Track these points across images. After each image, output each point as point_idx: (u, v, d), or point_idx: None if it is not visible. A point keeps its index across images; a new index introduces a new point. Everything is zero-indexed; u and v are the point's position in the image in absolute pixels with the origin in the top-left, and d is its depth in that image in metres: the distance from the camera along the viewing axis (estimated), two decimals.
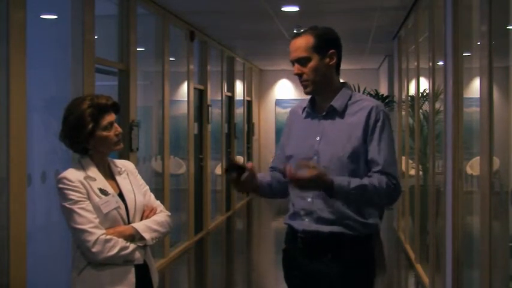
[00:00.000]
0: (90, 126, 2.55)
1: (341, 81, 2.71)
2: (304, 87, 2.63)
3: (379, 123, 2.54)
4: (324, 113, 2.63)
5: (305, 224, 2.59)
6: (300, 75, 2.62)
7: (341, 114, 2.60)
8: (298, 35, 2.63)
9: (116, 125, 2.64)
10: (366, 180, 2.48)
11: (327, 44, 2.60)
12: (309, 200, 2.57)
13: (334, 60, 2.62)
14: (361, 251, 2.57)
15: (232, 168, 2.52)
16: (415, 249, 6.70)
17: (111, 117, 2.62)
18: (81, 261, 2.53)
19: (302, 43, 2.59)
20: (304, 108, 2.73)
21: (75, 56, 4.79)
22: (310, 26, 2.67)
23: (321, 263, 2.56)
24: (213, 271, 7.34)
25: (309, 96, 2.71)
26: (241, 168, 2.52)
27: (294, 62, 2.63)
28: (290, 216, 2.68)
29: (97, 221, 2.50)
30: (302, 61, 2.60)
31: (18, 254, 3.79)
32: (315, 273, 2.58)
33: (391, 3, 6.70)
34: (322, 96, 2.66)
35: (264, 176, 2.72)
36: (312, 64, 2.58)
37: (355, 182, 2.47)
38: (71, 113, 2.58)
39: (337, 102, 2.61)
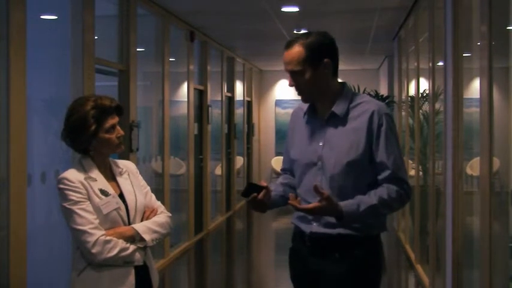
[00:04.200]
0: (93, 127, 2.54)
1: (340, 81, 2.67)
2: (300, 96, 2.63)
3: (383, 128, 2.51)
4: (326, 118, 2.60)
5: (313, 228, 2.59)
6: (294, 86, 2.60)
7: (343, 119, 2.56)
8: (290, 45, 2.55)
9: (118, 127, 2.63)
10: (374, 198, 2.47)
11: (320, 54, 2.52)
12: None
13: (329, 69, 2.56)
14: (368, 250, 2.57)
15: (251, 190, 2.55)
16: (415, 250, 6.70)
17: (114, 120, 2.61)
18: (81, 262, 2.52)
19: (294, 56, 2.52)
20: (306, 112, 2.71)
21: (75, 57, 4.78)
22: (305, 28, 2.64)
23: (328, 262, 2.56)
24: (213, 271, 7.34)
25: None
26: (259, 188, 2.55)
27: (289, 73, 2.60)
28: (298, 218, 2.67)
29: (97, 221, 2.49)
30: (295, 74, 2.55)
31: (18, 254, 3.78)
32: (322, 272, 2.58)
33: (391, 4, 6.70)
34: (321, 101, 2.63)
35: (276, 188, 2.73)
36: (306, 77, 2.53)
37: (364, 203, 2.46)
38: (73, 113, 2.57)
39: (338, 108, 2.57)
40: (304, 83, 2.55)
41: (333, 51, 2.58)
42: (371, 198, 2.47)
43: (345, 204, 2.45)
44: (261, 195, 2.54)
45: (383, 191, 2.48)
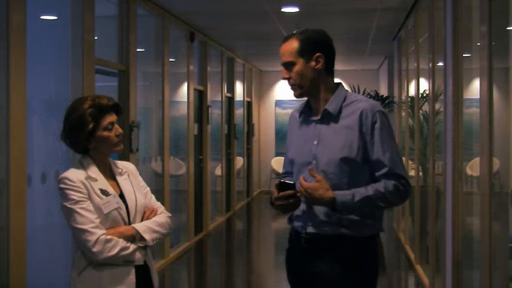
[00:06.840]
0: (91, 126, 2.55)
1: (336, 81, 2.71)
2: (293, 91, 2.67)
3: (377, 125, 2.53)
4: (319, 117, 2.64)
5: (308, 228, 2.60)
6: (287, 79, 2.64)
7: (336, 117, 2.60)
8: (286, 39, 2.65)
9: (116, 125, 2.64)
10: (370, 190, 2.49)
11: (312, 47, 2.60)
12: None
13: (321, 64, 2.61)
14: (364, 251, 2.58)
15: (284, 188, 2.55)
16: (415, 250, 6.70)
17: (112, 117, 2.62)
18: (81, 262, 2.53)
19: (288, 48, 2.61)
20: (301, 112, 2.74)
21: (75, 57, 4.78)
22: (306, 27, 2.68)
23: (324, 263, 2.57)
24: (212, 272, 7.34)
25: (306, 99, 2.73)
26: (289, 187, 2.55)
27: (282, 66, 2.66)
28: (294, 218, 2.69)
29: (98, 221, 2.50)
30: (288, 65, 2.62)
31: (18, 254, 3.78)
32: (318, 273, 2.59)
33: (391, 4, 6.71)
34: (315, 99, 2.67)
35: None
36: (296, 68, 2.60)
37: (359, 194, 2.48)
38: (72, 113, 2.58)
39: (331, 106, 2.61)
40: (295, 75, 2.61)
41: (326, 47, 2.64)
42: (367, 190, 2.49)
43: (339, 194, 2.48)
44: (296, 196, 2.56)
45: (380, 185, 2.51)
